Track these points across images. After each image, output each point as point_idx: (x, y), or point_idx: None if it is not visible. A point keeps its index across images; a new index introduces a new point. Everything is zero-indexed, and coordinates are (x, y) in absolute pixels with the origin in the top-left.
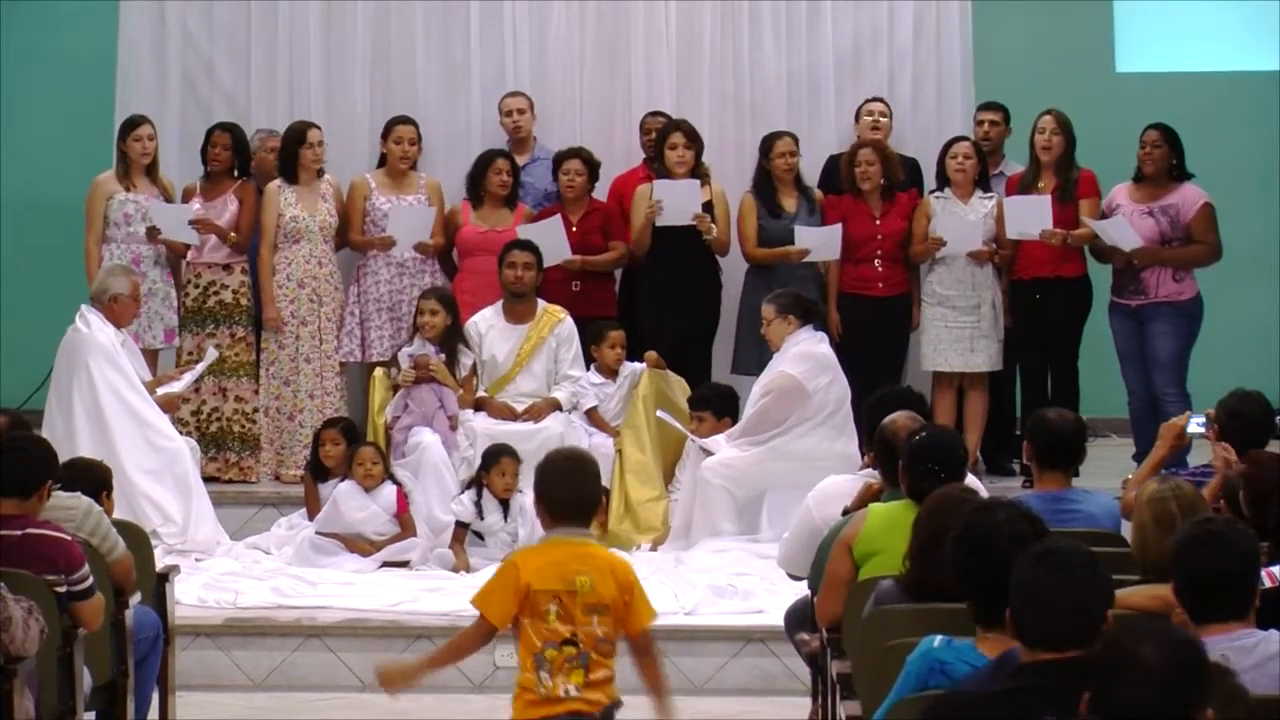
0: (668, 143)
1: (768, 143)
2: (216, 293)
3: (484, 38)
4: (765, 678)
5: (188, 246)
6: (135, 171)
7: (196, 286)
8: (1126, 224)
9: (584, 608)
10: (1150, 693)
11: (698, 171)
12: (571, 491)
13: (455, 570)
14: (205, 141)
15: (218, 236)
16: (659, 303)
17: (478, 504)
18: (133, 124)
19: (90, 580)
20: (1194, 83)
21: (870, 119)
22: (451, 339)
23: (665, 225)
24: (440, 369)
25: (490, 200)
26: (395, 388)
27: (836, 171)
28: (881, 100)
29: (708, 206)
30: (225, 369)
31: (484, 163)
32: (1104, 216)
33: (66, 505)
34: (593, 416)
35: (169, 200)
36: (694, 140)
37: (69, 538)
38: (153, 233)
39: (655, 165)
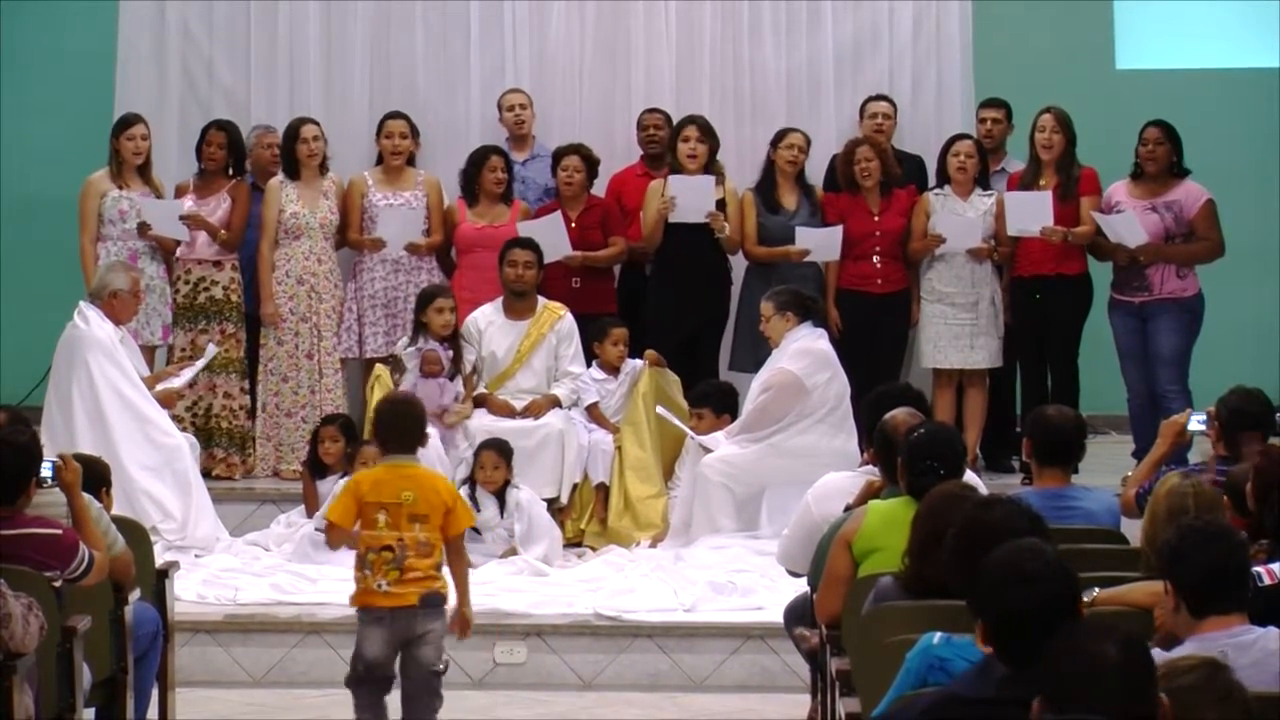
0: (680, 135)
1: (779, 135)
2: (207, 289)
3: (484, 36)
4: (765, 674)
5: (178, 242)
6: (128, 170)
7: (187, 283)
8: (1134, 219)
9: (408, 517)
10: (1111, 691)
11: (711, 168)
12: (398, 427)
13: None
14: (200, 139)
15: (208, 233)
16: (668, 300)
17: (472, 499)
18: (126, 123)
19: (85, 559)
20: (1194, 80)
21: (874, 121)
22: (455, 337)
23: (677, 223)
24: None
25: (486, 197)
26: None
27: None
28: (886, 99)
29: (720, 205)
30: (215, 366)
31: (478, 160)
32: (1104, 214)
33: (64, 502)
34: (593, 413)
35: (160, 199)
36: (708, 135)
37: (59, 531)
38: (143, 228)
39: (668, 159)
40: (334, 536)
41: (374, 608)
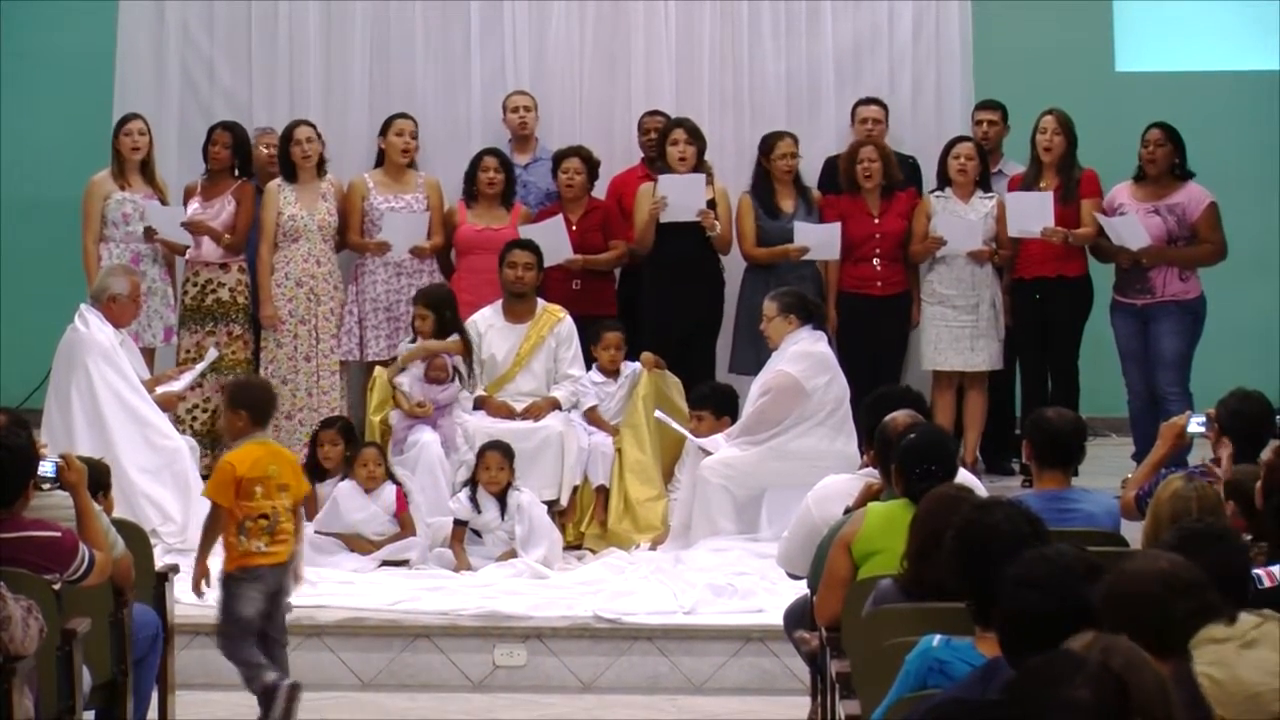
0: (669, 139)
1: (768, 143)
2: (214, 291)
3: (484, 37)
4: (764, 677)
5: (185, 246)
6: (130, 169)
7: (194, 285)
8: (1137, 222)
9: (276, 488)
10: None
11: (700, 169)
12: (260, 405)
13: (456, 570)
14: (206, 140)
15: (211, 238)
16: (662, 300)
17: (473, 500)
18: (123, 120)
19: (86, 561)
20: (1194, 82)
21: (865, 125)
22: (449, 334)
23: (669, 222)
24: (436, 345)
25: (484, 199)
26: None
27: (834, 172)
28: (876, 102)
29: (710, 204)
30: (222, 367)
31: (475, 161)
32: (1107, 216)
33: (65, 505)
34: (591, 416)
35: (164, 200)
36: (695, 137)
37: (59, 533)
38: (149, 232)
39: (658, 164)
40: (218, 519)
41: (254, 567)
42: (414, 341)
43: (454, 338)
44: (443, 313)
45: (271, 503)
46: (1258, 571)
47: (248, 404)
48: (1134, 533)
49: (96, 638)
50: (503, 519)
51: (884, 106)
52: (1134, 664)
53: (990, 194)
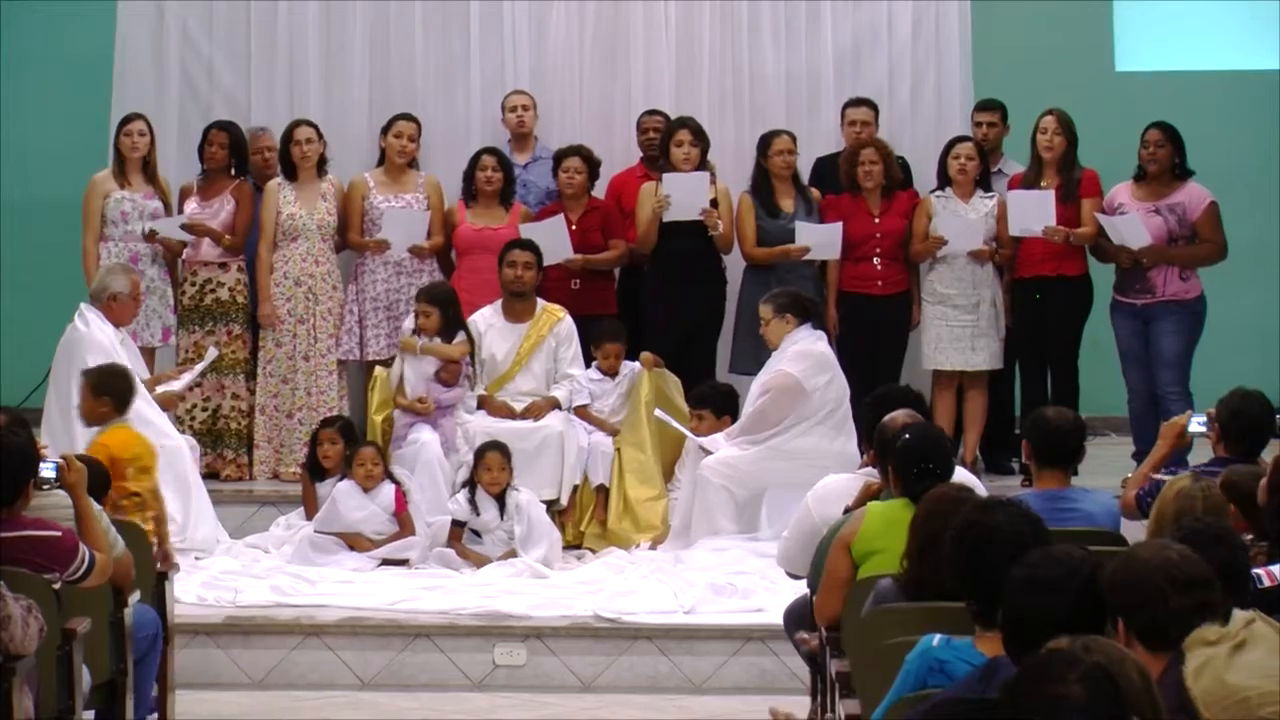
0: (673, 140)
1: (765, 141)
2: (213, 290)
3: (484, 37)
4: (764, 676)
5: (183, 245)
6: (131, 169)
7: (193, 284)
8: (1138, 222)
9: (140, 470)
10: None
11: (703, 168)
12: (129, 394)
13: (467, 564)
14: (202, 140)
15: (212, 239)
16: (663, 300)
17: (471, 501)
18: (125, 120)
19: (86, 561)
20: (1194, 82)
21: (853, 127)
22: (453, 332)
23: (673, 220)
24: (439, 349)
25: (484, 198)
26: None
27: (827, 172)
28: (865, 103)
29: (713, 203)
30: (222, 366)
31: (473, 160)
32: (1108, 215)
33: (64, 504)
34: (581, 413)
35: (165, 199)
36: (700, 137)
37: (59, 533)
38: (149, 234)
39: (660, 162)
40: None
41: None
42: (418, 333)
43: (461, 337)
44: (446, 310)
45: (140, 484)
46: (1258, 571)
47: (112, 391)
48: (1133, 532)
49: (96, 638)
50: (502, 519)
51: (873, 107)
52: (1115, 661)
53: (991, 193)
